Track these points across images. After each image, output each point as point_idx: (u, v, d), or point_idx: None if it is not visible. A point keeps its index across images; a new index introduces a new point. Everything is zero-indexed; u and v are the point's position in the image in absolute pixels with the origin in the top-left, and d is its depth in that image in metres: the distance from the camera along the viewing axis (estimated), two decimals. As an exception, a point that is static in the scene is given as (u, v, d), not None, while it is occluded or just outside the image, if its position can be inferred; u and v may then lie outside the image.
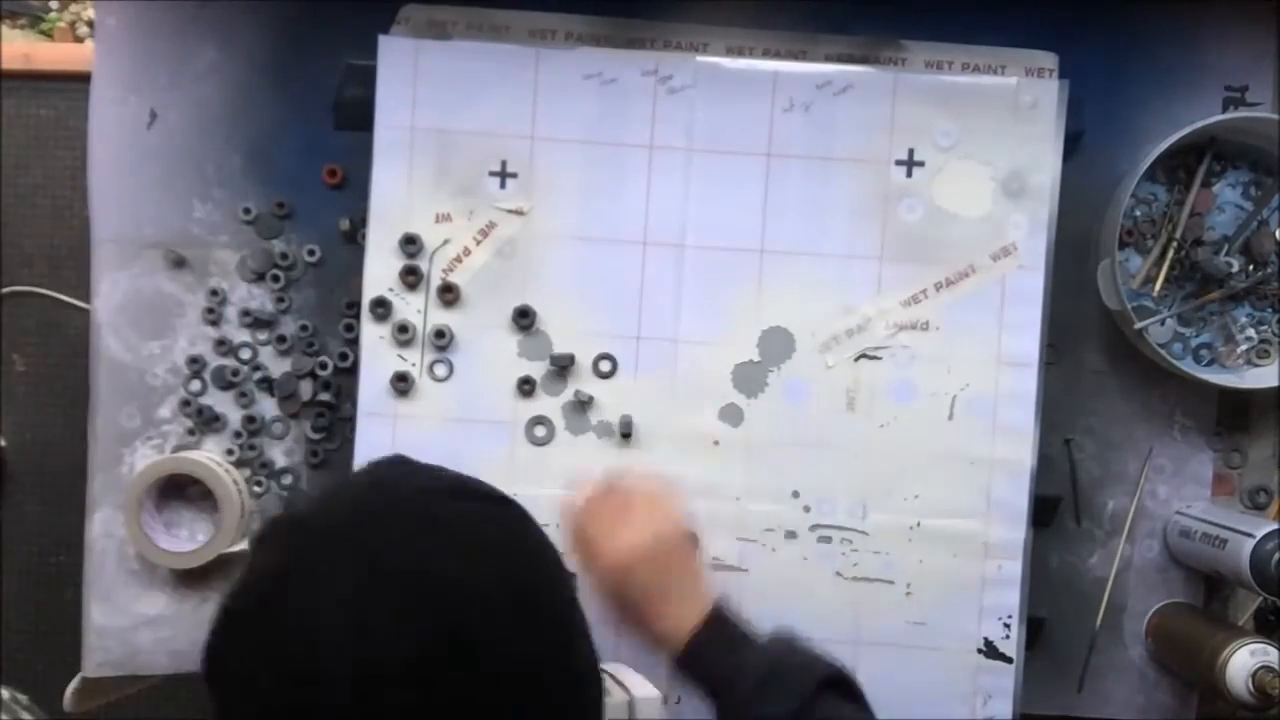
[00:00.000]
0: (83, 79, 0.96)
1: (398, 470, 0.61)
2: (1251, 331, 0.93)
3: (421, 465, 0.62)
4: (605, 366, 0.92)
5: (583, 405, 0.91)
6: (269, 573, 0.52)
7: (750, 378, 0.92)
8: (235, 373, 0.95)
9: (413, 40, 0.91)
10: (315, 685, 0.47)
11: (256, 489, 0.96)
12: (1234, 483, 0.96)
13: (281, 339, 0.95)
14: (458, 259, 0.92)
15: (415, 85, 0.91)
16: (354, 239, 0.94)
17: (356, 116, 0.92)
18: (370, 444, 0.91)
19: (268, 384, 0.96)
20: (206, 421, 0.95)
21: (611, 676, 0.70)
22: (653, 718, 0.68)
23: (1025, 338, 0.91)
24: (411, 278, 0.91)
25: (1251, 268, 0.92)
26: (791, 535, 0.91)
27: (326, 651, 0.48)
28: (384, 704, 0.47)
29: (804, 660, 0.73)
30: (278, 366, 0.96)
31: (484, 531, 0.54)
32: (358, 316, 0.92)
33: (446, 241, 0.91)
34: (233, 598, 0.53)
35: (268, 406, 0.96)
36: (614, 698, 0.67)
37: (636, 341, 0.92)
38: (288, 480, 0.96)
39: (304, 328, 0.95)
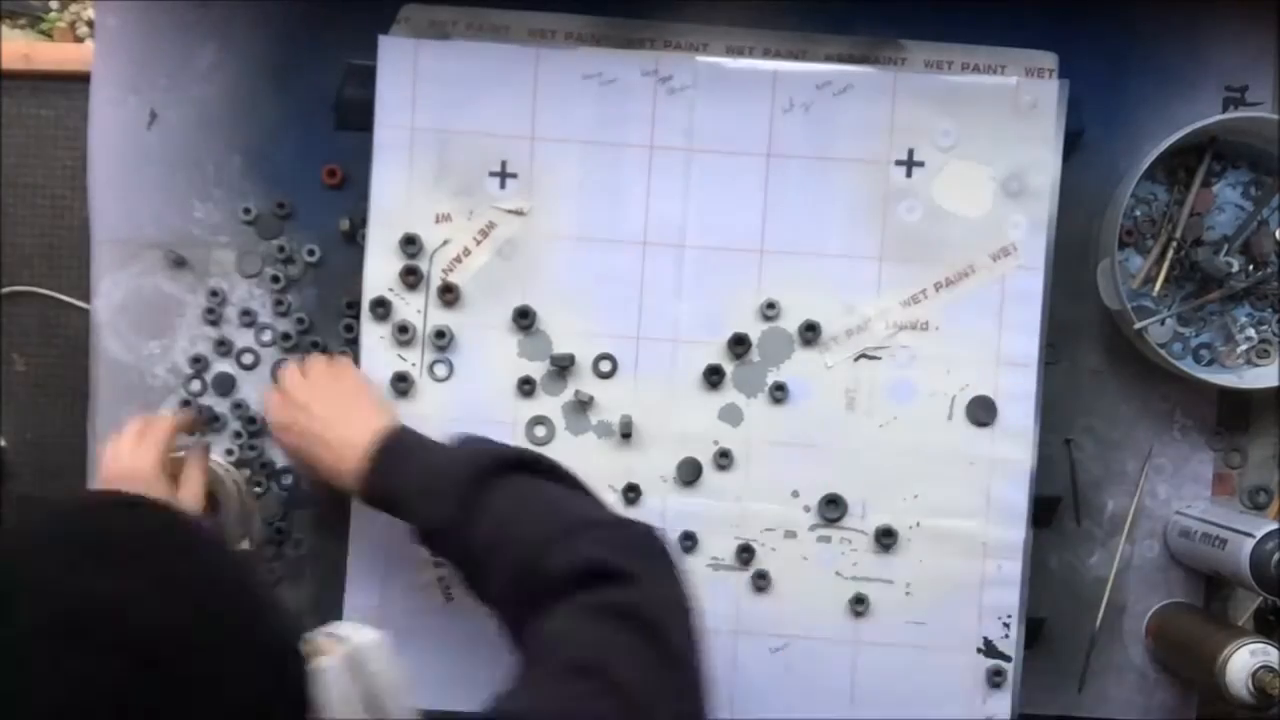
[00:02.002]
0: (83, 79, 0.95)
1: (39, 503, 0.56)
2: (1251, 331, 0.93)
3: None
4: (605, 366, 0.92)
5: (583, 405, 0.91)
6: None
7: (750, 378, 0.92)
8: (234, 376, 0.95)
9: (413, 40, 0.91)
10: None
11: (257, 489, 0.96)
12: (1234, 483, 0.96)
13: (285, 337, 0.95)
14: (458, 259, 0.92)
15: (415, 85, 0.91)
16: (354, 239, 0.94)
17: (356, 116, 0.92)
18: (370, 444, 0.91)
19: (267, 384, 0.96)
20: (206, 422, 0.95)
21: (327, 636, 0.66)
22: (379, 660, 0.64)
23: (1025, 338, 0.91)
24: (411, 278, 0.91)
25: (1251, 268, 0.92)
26: (791, 535, 0.91)
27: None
28: None
29: (472, 454, 0.75)
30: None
31: (111, 541, 0.47)
32: (357, 316, 0.92)
33: (446, 241, 0.91)
34: None
35: (268, 406, 0.96)
36: (331, 656, 0.62)
37: (636, 341, 0.92)
38: (288, 480, 0.96)
39: (302, 328, 0.95)
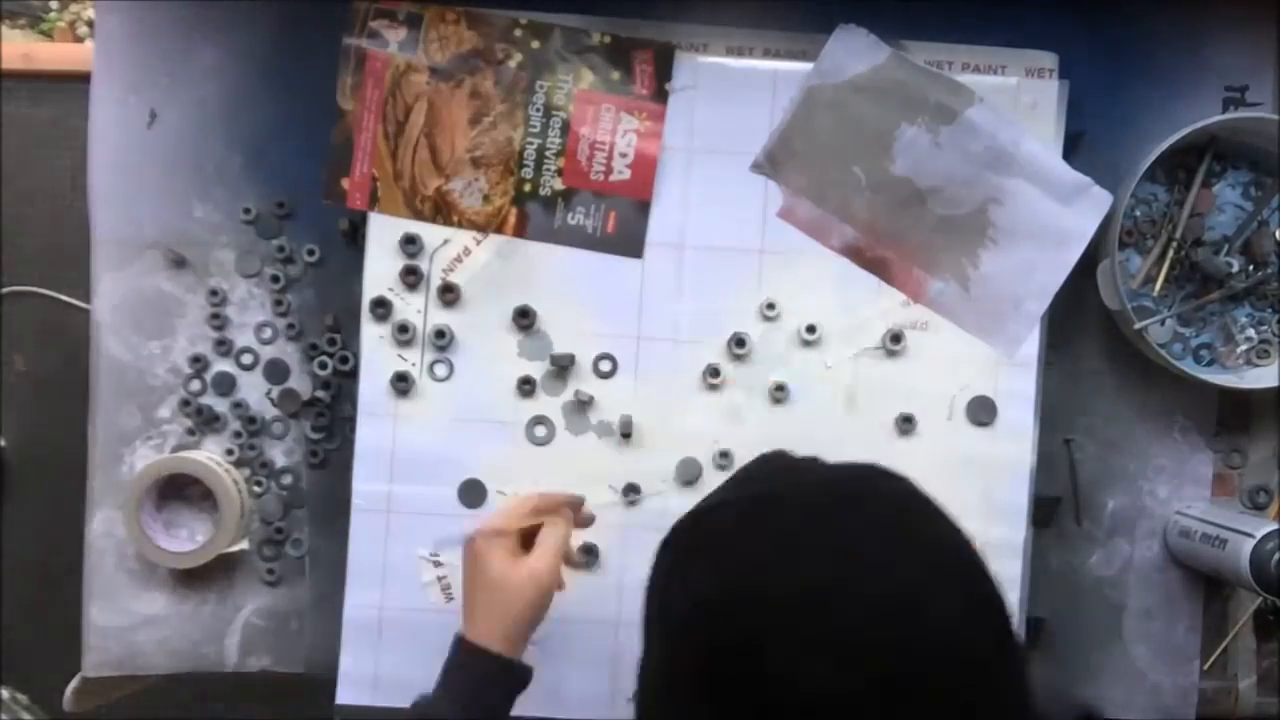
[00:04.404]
0: (83, 79, 0.96)
1: (797, 462, 0.63)
2: (1251, 331, 0.93)
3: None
4: (605, 366, 0.92)
5: (583, 405, 0.91)
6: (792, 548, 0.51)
7: (750, 378, 0.92)
8: (234, 376, 0.95)
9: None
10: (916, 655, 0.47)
11: (256, 489, 0.96)
12: (1234, 483, 0.96)
13: (285, 337, 0.95)
14: (458, 259, 0.92)
15: (415, 85, 0.91)
16: (354, 239, 0.94)
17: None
18: (370, 444, 0.91)
19: (267, 383, 0.96)
20: (206, 421, 0.95)
21: None
22: None
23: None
24: (411, 278, 0.91)
25: (1251, 268, 0.92)
26: (791, 535, 0.91)
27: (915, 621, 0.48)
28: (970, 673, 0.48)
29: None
30: (277, 366, 0.96)
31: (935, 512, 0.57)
32: (339, 330, 0.92)
33: (446, 241, 0.91)
34: (770, 580, 0.50)
35: (267, 406, 0.96)
36: None
37: (636, 341, 0.92)
38: (288, 480, 0.96)
39: (300, 329, 0.95)
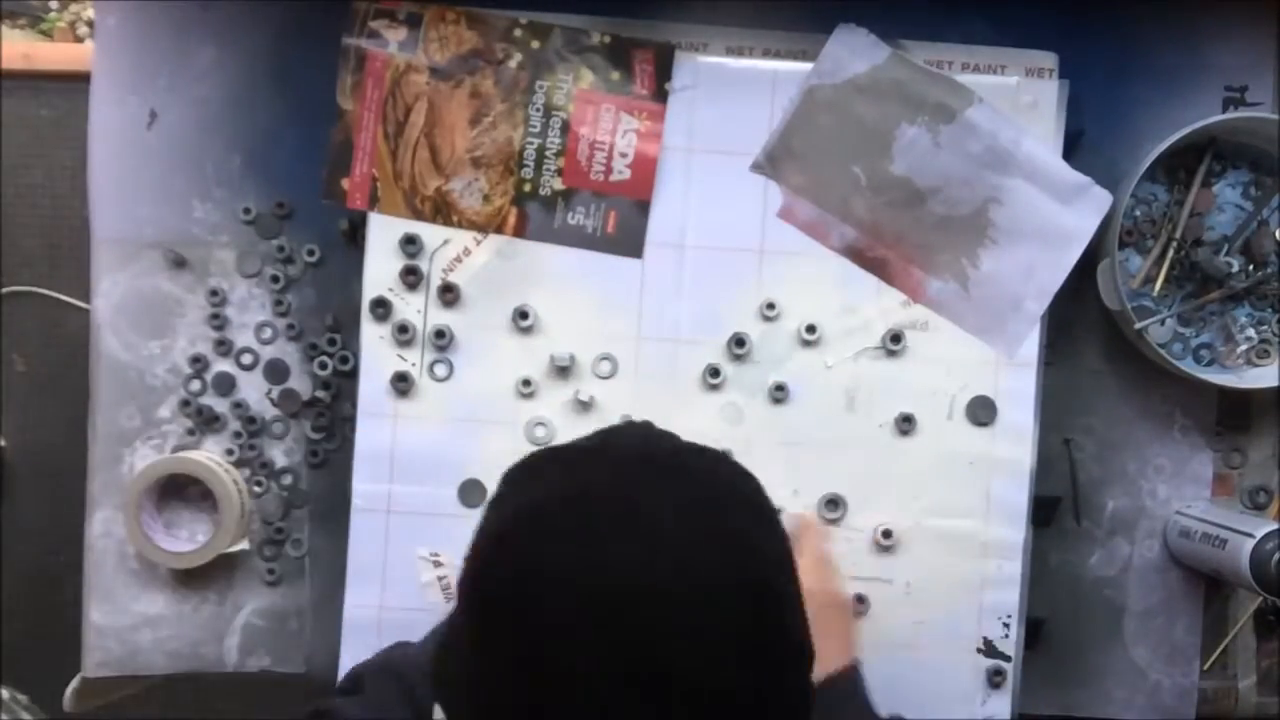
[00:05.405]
0: (83, 79, 0.96)
1: (647, 430, 0.62)
2: (1251, 331, 0.93)
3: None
4: (605, 367, 0.92)
5: (583, 405, 0.91)
6: (583, 492, 0.52)
7: (750, 378, 0.92)
8: (234, 376, 0.95)
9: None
10: (655, 599, 0.47)
11: (256, 489, 0.96)
12: (1234, 483, 0.96)
13: (285, 337, 0.95)
14: (458, 259, 0.92)
15: (415, 85, 0.91)
16: (354, 239, 0.94)
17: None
18: (370, 444, 0.91)
19: (267, 383, 0.96)
20: (206, 421, 0.95)
21: None
22: None
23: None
24: (411, 278, 0.91)
25: (1251, 268, 0.92)
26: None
27: (663, 563, 0.48)
28: (718, 625, 0.48)
29: None
30: (277, 366, 0.96)
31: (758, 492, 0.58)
32: (339, 330, 0.92)
33: (446, 241, 0.91)
34: (531, 519, 0.51)
35: (267, 406, 0.96)
36: None
37: (636, 341, 0.92)
38: (288, 480, 0.96)
39: (300, 329, 0.95)
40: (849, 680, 0.75)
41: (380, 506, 0.91)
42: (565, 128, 0.90)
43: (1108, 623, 0.96)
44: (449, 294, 0.91)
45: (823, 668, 0.70)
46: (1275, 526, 0.85)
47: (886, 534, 0.90)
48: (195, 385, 0.96)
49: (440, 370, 0.92)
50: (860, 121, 0.89)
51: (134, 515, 0.92)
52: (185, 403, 0.95)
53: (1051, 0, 0.92)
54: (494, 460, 0.91)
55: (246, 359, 0.96)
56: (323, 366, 0.95)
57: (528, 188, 0.91)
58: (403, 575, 0.92)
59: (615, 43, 0.91)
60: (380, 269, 0.91)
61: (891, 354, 0.91)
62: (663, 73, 0.90)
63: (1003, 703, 0.91)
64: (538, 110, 0.90)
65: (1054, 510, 0.95)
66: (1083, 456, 0.95)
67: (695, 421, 0.92)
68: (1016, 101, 0.90)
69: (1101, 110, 0.93)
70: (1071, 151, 0.91)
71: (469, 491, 0.92)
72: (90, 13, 1.42)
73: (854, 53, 0.89)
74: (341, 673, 0.90)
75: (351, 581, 0.92)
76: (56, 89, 1.02)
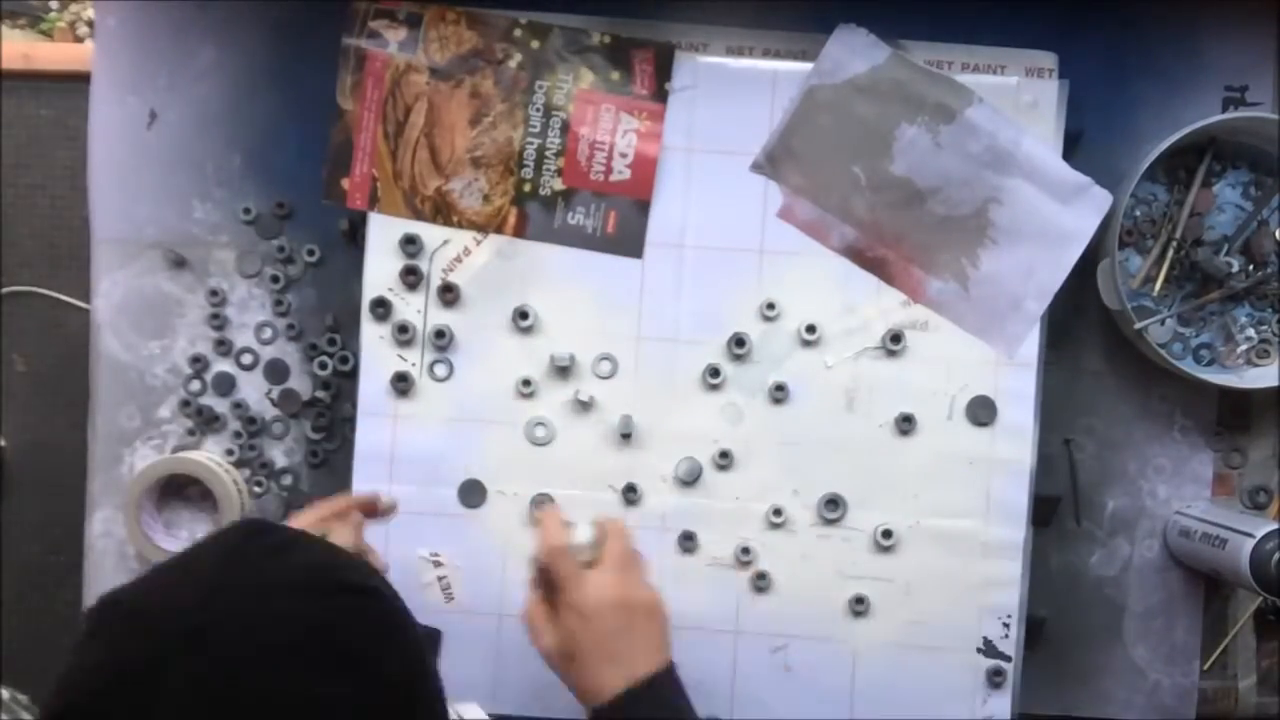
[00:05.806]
0: (83, 79, 0.96)
1: (253, 551, 0.54)
2: (1251, 331, 0.93)
3: (280, 541, 0.56)
4: (605, 367, 0.92)
5: (583, 405, 0.91)
6: (101, 671, 0.47)
7: (750, 378, 0.92)
8: (234, 376, 0.95)
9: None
10: None
11: (256, 489, 0.96)
12: (1234, 483, 0.96)
13: (285, 337, 0.95)
14: (458, 259, 0.92)
15: (415, 85, 0.91)
16: (354, 239, 0.94)
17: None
18: (370, 444, 0.91)
19: (267, 383, 0.96)
20: (206, 421, 0.95)
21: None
22: None
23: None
24: (411, 278, 0.91)
25: (1251, 268, 0.92)
26: (791, 534, 0.91)
27: None
28: None
29: None
30: (277, 366, 0.96)
31: (341, 640, 0.50)
32: (339, 330, 0.92)
33: (446, 242, 0.91)
34: (57, 695, 0.47)
35: (267, 407, 0.96)
36: None
37: (636, 341, 0.92)
38: (288, 480, 0.96)
39: (300, 329, 0.95)
40: (662, 683, 0.71)
41: (380, 506, 0.91)
42: (565, 128, 0.90)
43: (1108, 623, 0.96)
44: (449, 294, 0.91)
45: (633, 670, 0.70)
46: (1275, 526, 0.85)
47: (886, 534, 0.90)
48: (195, 385, 0.96)
49: (440, 370, 0.92)
50: (860, 121, 0.89)
51: (134, 515, 0.92)
52: (185, 403, 0.95)
53: (1051, 0, 0.92)
54: (494, 460, 0.91)
55: (246, 359, 0.96)
56: (323, 366, 0.95)
57: (528, 188, 0.91)
58: (403, 575, 0.92)
59: (615, 43, 0.91)
60: (380, 269, 0.91)
61: (891, 354, 0.91)
62: (663, 73, 0.91)
63: (1003, 703, 0.91)
64: (538, 110, 0.90)
65: (1054, 510, 0.95)
66: (1083, 456, 0.95)
67: (695, 421, 0.92)
68: (1016, 101, 0.90)
69: (1101, 110, 0.93)
70: (1071, 151, 0.91)
71: (469, 491, 0.92)
72: (90, 13, 1.42)
73: (854, 53, 0.89)
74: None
75: (351, 581, 0.92)
76: (56, 89, 1.02)
